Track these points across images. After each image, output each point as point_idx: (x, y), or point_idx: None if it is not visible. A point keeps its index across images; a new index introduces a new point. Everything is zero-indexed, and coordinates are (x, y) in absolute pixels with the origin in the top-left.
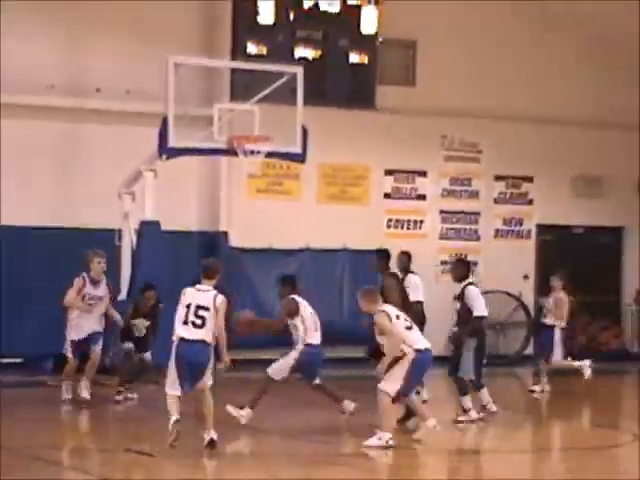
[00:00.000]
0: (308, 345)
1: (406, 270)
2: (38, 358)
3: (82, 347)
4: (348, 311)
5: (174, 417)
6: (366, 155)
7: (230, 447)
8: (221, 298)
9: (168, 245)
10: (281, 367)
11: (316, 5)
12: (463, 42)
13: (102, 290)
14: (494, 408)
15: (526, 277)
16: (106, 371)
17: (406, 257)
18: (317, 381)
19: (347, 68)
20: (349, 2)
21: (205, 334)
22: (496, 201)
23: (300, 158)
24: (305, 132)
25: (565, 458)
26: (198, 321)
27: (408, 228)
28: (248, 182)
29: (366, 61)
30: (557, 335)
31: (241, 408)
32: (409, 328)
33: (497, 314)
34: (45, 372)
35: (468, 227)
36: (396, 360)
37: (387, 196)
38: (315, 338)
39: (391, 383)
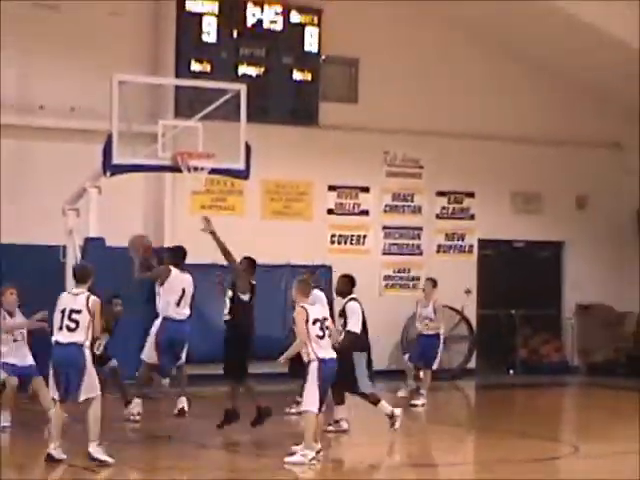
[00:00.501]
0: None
1: (346, 295)
2: None
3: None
4: (290, 326)
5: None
6: (309, 171)
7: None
8: (93, 299)
9: (113, 261)
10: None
11: (259, 23)
12: (404, 59)
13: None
14: (345, 426)
15: (468, 291)
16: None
17: (347, 280)
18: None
19: (290, 85)
20: (292, 20)
21: (78, 337)
22: (438, 216)
23: (244, 174)
24: (249, 149)
25: (505, 470)
26: (72, 325)
27: (351, 243)
28: (192, 198)
29: (309, 78)
30: (441, 343)
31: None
32: (320, 337)
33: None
34: None
35: (411, 242)
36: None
37: (330, 212)
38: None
39: (311, 401)
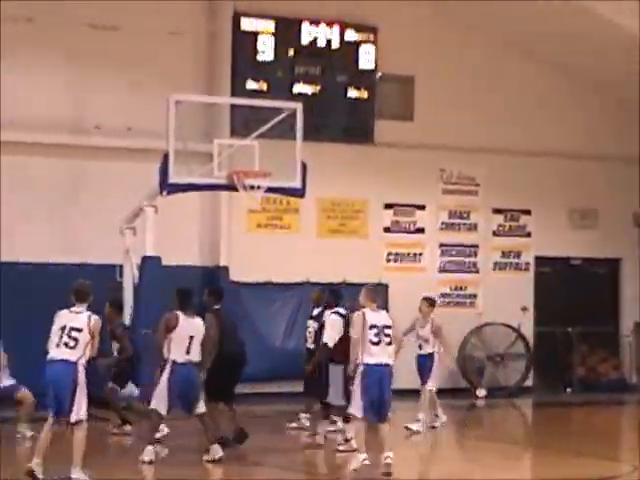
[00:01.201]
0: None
1: (329, 307)
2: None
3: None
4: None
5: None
6: (365, 189)
7: None
8: (95, 319)
9: (169, 280)
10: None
11: (315, 41)
12: (460, 77)
13: None
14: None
15: (525, 309)
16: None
17: (328, 293)
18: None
19: (346, 103)
20: (347, 38)
21: (73, 354)
22: (494, 234)
23: (300, 193)
24: (304, 167)
25: None
26: (71, 342)
27: (407, 261)
28: (248, 217)
29: (365, 96)
30: (436, 361)
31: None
32: (374, 343)
33: (496, 346)
34: None
35: (467, 260)
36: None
37: (386, 230)
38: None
39: (355, 405)
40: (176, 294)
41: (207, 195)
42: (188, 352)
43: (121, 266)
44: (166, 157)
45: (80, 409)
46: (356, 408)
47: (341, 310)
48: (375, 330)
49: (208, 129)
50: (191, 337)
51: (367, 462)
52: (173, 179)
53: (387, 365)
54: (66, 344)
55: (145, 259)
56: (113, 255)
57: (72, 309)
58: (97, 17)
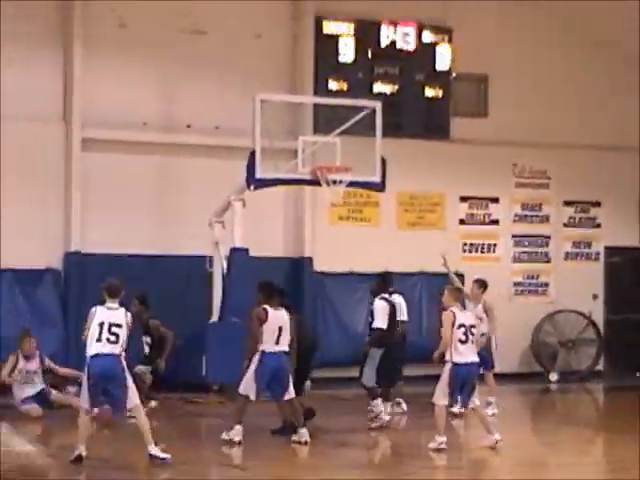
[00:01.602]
0: (265, 353)
1: (376, 294)
2: None
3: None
4: (426, 331)
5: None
6: (441, 183)
7: None
8: (129, 314)
9: (256, 271)
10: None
11: (393, 44)
12: (531, 74)
13: (35, 364)
14: (386, 418)
15: (595, 297)
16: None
17: (379, 280)
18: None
19: (422, 102)
20: (424, 40)
21: (118, 349)
22: (566, 225)
23: (379, 187)
24: (384, 162)
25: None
26: (112, 338)
27: (482, 252)
28: (330, 210)
29: (440, 95)
30: (494, 345)
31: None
32: (462, 342)
33: (568, 332)
34: None
35: (539, 250)
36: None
37: (462, 222)
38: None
39: (439, 395)
40: (259, 288)
41: (292, 190)
42: (277, 342)
43: (211, 257)
44: (253, 154)
45: (134, 396)
46: (439, 398)
47: (386, 296)
48: (463, 329)
49: (292, 127)
50: (280, 328)
51: (444, 446)
52: (260, 175)
53: (474, 363)
54: (108, 339)
55: (233, 251)
56: (203, 247)
57: (108, 305)
58: (186, 22)
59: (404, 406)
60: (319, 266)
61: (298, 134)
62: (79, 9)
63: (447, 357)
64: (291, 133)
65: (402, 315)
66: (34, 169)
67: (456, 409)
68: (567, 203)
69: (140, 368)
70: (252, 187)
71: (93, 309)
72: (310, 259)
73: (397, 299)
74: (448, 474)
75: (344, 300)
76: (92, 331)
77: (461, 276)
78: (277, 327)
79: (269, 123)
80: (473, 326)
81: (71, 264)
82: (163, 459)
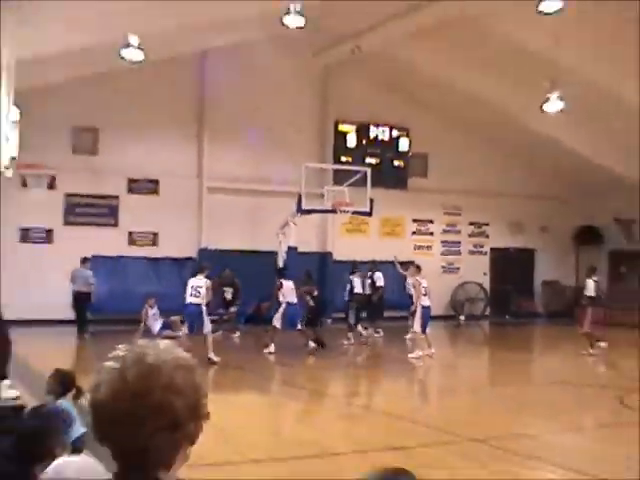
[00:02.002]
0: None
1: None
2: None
3: None
4: (396, 291)
5: None
6: (403, 212)
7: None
8: (208, 281)
9: (301, 259)
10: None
11: (376, 137)
12: (452, 154)
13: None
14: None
15: (485, 274)
16: None
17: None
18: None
19: (393, 169)
20: (393, 135)
21: (200, 300)
22: (469, 235)
23: (369, 214)
24: (372, 201)
25: None
26: (197, 294)
27: (424, 250)
28: (342, 226)
29: (403, 165)
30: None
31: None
32: (425, 295)
33: (470, 293)
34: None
35: (455, 249)
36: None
37: (414, 233)
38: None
39: (417, 326)
40: (305, 273)
41: (321, 215)
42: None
43: (277, 252)
44: (300, 196)
45: (206, 327)
46: (418, 327)
47: (365, 273)
48: (424, 289)
49: (321, 181)
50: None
51: (420, 355)
52: (304, 207)
53: (430, 306)
54: (195, 295)
55: (290, 248)
56: (274, 246)
57: (196, 277)
58: (262, 123)
59: (381, 333)
60: (336, 257)
61: (324, 185)
62: (207, 112)
63: (417, 304)
64: (320, 184)
65: (380, 283)
66: (183, 204)
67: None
68: (471, 224)
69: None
70: (300, 214)
71: (190, 279)
72: (331, 253)
73: (377, 274)
74: (402, 368)
75: (348, 276)
76: (187, 291)
77: (412, 262)
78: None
79: (309, 179)
80: (426, 287)
81: (202, 255)
82: (215, 361)
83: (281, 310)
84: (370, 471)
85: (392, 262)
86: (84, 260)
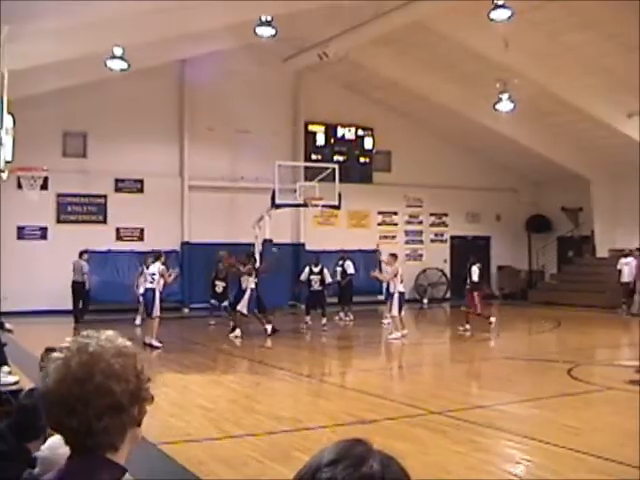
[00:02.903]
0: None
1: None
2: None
3: None
4: (363, 278)
5: None
6: (369, 205)
7: None
8: (162, 267)
9: (276, 250)
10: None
11: (343, 136)
12: (414, 151)
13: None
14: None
15: (445, 261)
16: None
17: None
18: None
19: (359, 165)
20: (359, 134)
21: (154, 285)
22: (431, 225)
23: (338, 207)
24: (340, 195)
25: None
26: (151, 280)
27: (389, 239)
28: (314, 218)
29: (368, 161)
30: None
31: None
32: (401, 282)
33: (432, 278)
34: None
35: (417, 238)
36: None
37: (379, 224)
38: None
39: (395, 310)
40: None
41: (294, 209)
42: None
43: (254, 244)
44: (274, 191)
45: (155, 311)
46: (396, 311)
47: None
48: (400, 277)
49: (293, 177)
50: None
51: (399, 335)
52: (277, 202)
53: (404, 292)
54: (149, 281)
55: (265, 240)
56: (251, 238)
57: (154, 264)
58: (239, 125)
59: (351, 317)
60: (308, 247)
61: (296, 181)
62: (187, 116)
63: (395, 290)
64: (293, 181)
65: (350, 270)
66: (166, 201)
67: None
68: (431, 214)
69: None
70: (274, 208)
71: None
72: (303, 244)
73: (348, 263)
74: (372, 348)
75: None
76: (145, 276)
77: (378, 251)
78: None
79: (282, 176)
80: (402, 274)
81: (184, 248)
82: (156, 346)
83: (247, 296)
84: (329, 445)
85: (373, 251)
86: (82, 253)
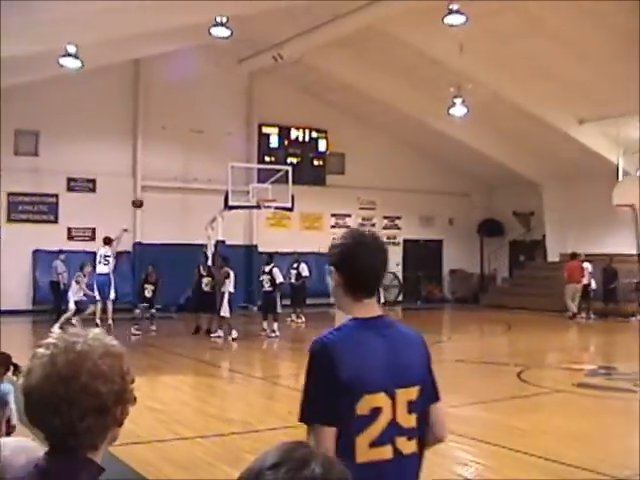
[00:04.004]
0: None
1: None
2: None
3: None
4: (317, 280)
5: None
6: (322, 207)
7: None
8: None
9: (229, 252)
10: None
11: (297, 138)
12: (366, 154)
13: None
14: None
15: (398, 264)
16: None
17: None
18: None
19: (312, 167)
20: (312, 136)
21: (108, 269)
22: (384, 228)
23: (291, 209)
24: (293, 197)
25: None
26: (105, 262)
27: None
28: (266, 220)
29: (322, 163)
30: None
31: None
32: None
33: (386, 281)
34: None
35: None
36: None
37: (332, 227)
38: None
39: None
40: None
41: (247, 211)
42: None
43: (206, 245)
44: (227, 193)
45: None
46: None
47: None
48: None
49: (246, 179)
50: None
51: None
52: (230, 203)
53: None
54: (103, 263)
55: (218, 241)
56: (203, 239)
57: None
58: (193, 125)
59: (303, 319)
60: (261, 249)
61: (250, 183)
62: (141, 116)
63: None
64: (246, 183)
65: (305, 273)
66: (119, 201)
67: None
68: (385, 217)
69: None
70: (227, 209)
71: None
72: (256, 245)
73: (302, 265)
74: None
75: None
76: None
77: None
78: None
79: (236, 177)
80: None
81: (136, 248)
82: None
83: (226, 299)
84: (272, 447)
85: (317, 253)
86: (59, 252)
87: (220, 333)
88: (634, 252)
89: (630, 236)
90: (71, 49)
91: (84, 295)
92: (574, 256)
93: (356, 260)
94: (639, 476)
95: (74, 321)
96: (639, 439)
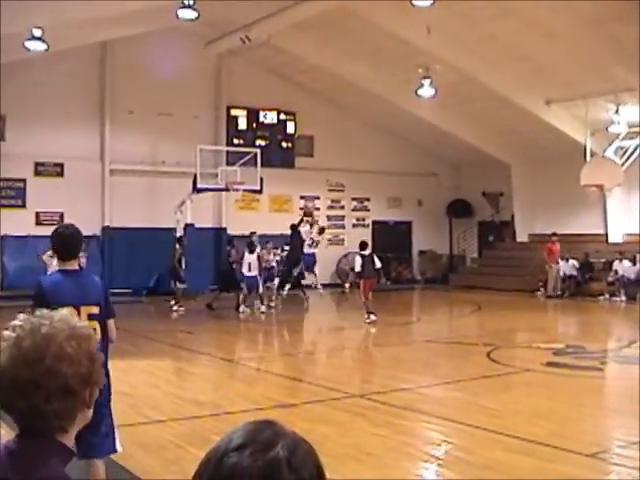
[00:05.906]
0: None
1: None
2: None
3: None
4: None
5: None
6: (290, 189)
7: None
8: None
9: (198, 234)
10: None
11: (265, 119)
12: (339, 137)
13: None
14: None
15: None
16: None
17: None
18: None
19: (281, 149)
20: (281, 118)
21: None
22: (353, 210)
23: (259, 192)
24: (262, 180)
25: None
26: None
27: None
28: (235, 203)
29: (290, 146)
30: None
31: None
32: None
33: (353, 264)
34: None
35: (340, 223)
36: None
37: (301, 209)
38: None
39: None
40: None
41: (216, 194)
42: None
43: (175, 228)
44: (195, 176)
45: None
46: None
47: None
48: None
49: (215, 162)
50: (249, 264)
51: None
52: (199, 186)
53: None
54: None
55: (187, 225)
56: (172, 223)
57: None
58: (161, 109)
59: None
60: (230, 232)
61: (218, 166)
62: (108, 99)
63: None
64: (215, 165)
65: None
66: (87, 185)
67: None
68: (353, 199)
69: None
70: (195, 192)
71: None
72: (225, 228)
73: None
74: (295, 333)
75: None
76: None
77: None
78: (248, 263)
79: (204, 160)
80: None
81: (104, 232)
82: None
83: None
84: (239, 426)
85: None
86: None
87: (244, 308)
88: (602, 232)
89: (598, 216)
90: (37, 32)
91: None
92: (554, 236)
93: None
94: (607, 453)
95: None
96: (606, 417)
